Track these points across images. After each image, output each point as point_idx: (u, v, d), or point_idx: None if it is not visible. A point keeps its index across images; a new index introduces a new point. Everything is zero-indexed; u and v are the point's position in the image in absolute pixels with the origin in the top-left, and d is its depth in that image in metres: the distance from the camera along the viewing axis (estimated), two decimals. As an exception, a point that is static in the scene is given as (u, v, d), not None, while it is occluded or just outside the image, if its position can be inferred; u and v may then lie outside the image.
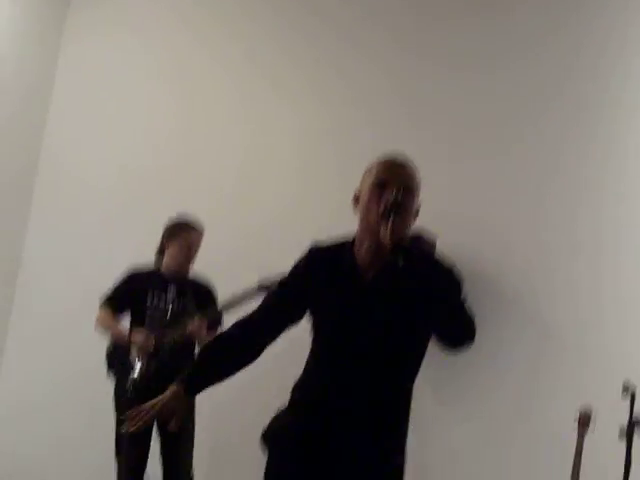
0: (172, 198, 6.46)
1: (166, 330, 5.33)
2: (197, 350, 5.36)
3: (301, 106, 6.85)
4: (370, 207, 2.90)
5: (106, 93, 7.34)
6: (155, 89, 7.24)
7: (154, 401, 2.99)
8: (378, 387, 2.92)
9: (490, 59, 6.42)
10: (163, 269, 5.49)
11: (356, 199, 3.01)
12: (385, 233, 2.76)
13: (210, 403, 5.51)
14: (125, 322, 5.49)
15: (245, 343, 3.09)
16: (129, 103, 7.28)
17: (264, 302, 3.14)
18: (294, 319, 3.11)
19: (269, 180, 6.77)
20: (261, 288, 5.30)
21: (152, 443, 5.40)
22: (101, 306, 5.48)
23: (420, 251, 2.83)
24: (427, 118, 6.44)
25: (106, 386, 5.39)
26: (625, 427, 4.79)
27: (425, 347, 3.01)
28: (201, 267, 5.53)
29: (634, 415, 4.82)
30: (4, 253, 7.25)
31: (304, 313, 3.09)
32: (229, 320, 5.27)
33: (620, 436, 4.78)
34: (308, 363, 3.07)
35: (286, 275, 3.16)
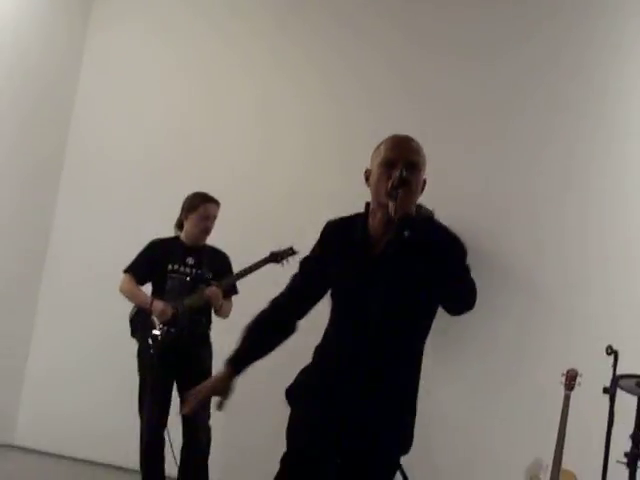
0: (192, 177, 6.56)
1: (185, 296, 5.44)
2: (213, 314, 5.54)
3: (309, 95, 7.05)
4: (379, 185, 2.98)
5: (130, 80, 7.47)
6: (177, 77, 7.38)
7: (205, 383, 3.20)
8: (388, 350, 2.97)
9: (489, 47, 6.58)
10: (182, 239, 5.58)
11: (367, 176, 3.09)
12: (393, 208, 2.85)
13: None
14: (147, 289, 5.62)
15: (282, 320, 3.20)
16: (152, 90, 7.42)
17: (292, 280, 3.24)
18: (321, 291, 3.18)
19: (279, 161, 6.98)
20: (271, 258, 5.47)
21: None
22: (125, 274, 5.59)
23: (426, 222, 2.93)
24: (428, 103, 6.61)
25: (130, 350, 5.51)
26: (609, 385, 4.88)
27: (432, 312, 3.06)
28: (217, 239, 5.63)
29: (616, 373, 4.93)
30: (35, 227, 7.38)
31: (328, 284, 3.16)
32: (242, 287, 5.42)
33: (604, 393, 4.86)
34: (327, 327, 3.14)
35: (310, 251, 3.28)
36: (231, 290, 5.54)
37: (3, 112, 6.88)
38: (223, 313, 5.51)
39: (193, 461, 5.39)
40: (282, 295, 3.24)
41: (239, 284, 5.55)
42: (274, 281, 5.84)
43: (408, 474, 4.48)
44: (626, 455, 4.78)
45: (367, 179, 3.09)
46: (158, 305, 5.38)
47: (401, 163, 2.95)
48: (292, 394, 3.13)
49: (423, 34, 6.79)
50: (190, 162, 7.06)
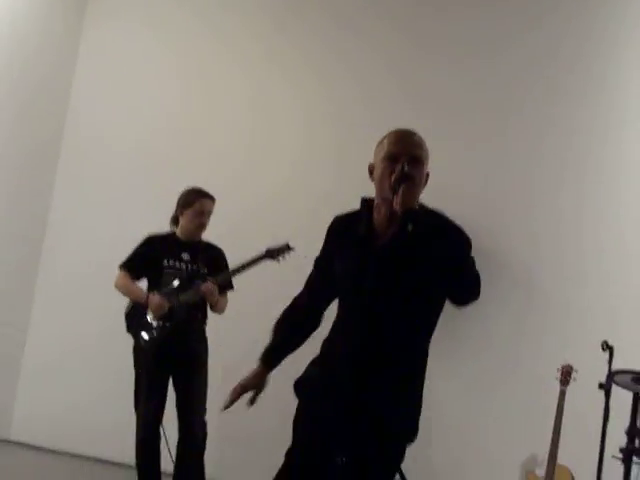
0: (187, 171, 6.58)
1: (180, 291, 5.39)
2: (208, 309, 5.51)
3: (305, 93, 6.99)
4: (383, 179, 3.00)
5: (125, 73, 7.40)
6: (172, 72, 7.32)
7: (240, 381, 3.29)
8: (392, 342, 2.99)
9: (487, 44, 6.55)
10: (178, 235, 5.56)
11: (371, 171, 3.10)
12: (397, 202, 2.86)
13: (219, 362, 5.68)
14: (143, 284, 5.58)
15: (304, 317, 3.28)
16: (147, 85, 7.35)
17: (308, 278, 3.31)
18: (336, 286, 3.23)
19: (275, 158, 6.92)
20: (267, 255, 5.43)
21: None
22: (120, 269, 5.55)
23: (430, 215, 2.96)
24: (424, 101, 6.56)
25: (126, 344, 5.46)
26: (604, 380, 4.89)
27: (437, 306, 3.07)
28: (213, 235, 5.59)
29: (612, 369, 4.92)
30: (31, 218, 7.32)
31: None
32: (238, 283, 5.36)
33: (599, 388, 4.87)
34: (335, 320, 3.17)
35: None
36: (227, 286, 5.50)
37: (0, 102, 6.83)
38: (219, 309, 5.49)
39: (189, 456, 5.36)
40: (301, 294, 3.32)
41: (235, 280, 5.50)
42: (270, 277, 5.86)
43: (403, 469, 4.43)
44: (621, 450, 4.80)
45: (371, 173, 3.11)
46: (154, 299, 5.35)
47: (404, 157, 2.97)
48: (300, 387, 3.17)
49: (420, 33, 6.76)
50: (185, 158, 7.01)
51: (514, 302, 6.11)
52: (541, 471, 5.65)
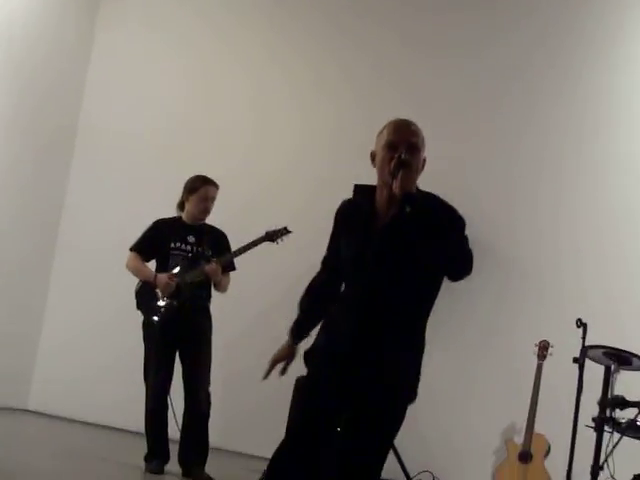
0: (193, 161, 6.60)
1: (186, 271, 5.47)
2: (212, 288, 5.56)
3: (301, 86, 7.11)
4: (383, 165, 3.06)
5: (134, 72, 7.52)
6: (178, 70, 7.44)
7: (274, 355, 3.31)
8: (392, 312, 3.03)
9: (473, 45, 6.65)
10: (184, 219, 5.62)
11: (372, 158, 3.16)
12: (396, 186, 2.95)
13: (223, 337, 5.78)
14: (152, 265, 5.64)
15: (323, 293, 3.30)
16: (155, 82, 7.46)
17: (324, 259, 3.35)
18: None
19: (273, 147, 7.04)
20: (267, 237, 5.50)
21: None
22: (131, 251, 5.63)
23: (427, 198, 3.03)
24: (410, 100, 6.56)
25: (137, 321, 5.54)
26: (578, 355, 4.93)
27: (435, 282, 3.09)
28: (216, 219, 5.65)
29: (585, 344, 4.99)
30: (48, 203, 7.43)
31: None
32: (240, 263, 5.51)
33: (574, 362, 4.91)
34: (340, 295, 3.24)
35: None
36: (229, 266, 5.57)
37: (19, 96, 6.95)
38: (222, 288, 5.55)
39: (194, 425, 5.39)
40: (320, 272, 3.37)
41: (236, 261, 5.58)
42: (269, 259, 5.96)
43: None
44: (594, 420, 4.86)
45: (373, 160, 3.17)
46: (162, 277, 5.43)
47: (402, 145, 3.04)
48: (309, 357, 3.20)
49: (409, 35, 6.87)
50: (191, 149, 7.11)
51: (494, 283, 6.16)
52: (519, 438, 5.74)
